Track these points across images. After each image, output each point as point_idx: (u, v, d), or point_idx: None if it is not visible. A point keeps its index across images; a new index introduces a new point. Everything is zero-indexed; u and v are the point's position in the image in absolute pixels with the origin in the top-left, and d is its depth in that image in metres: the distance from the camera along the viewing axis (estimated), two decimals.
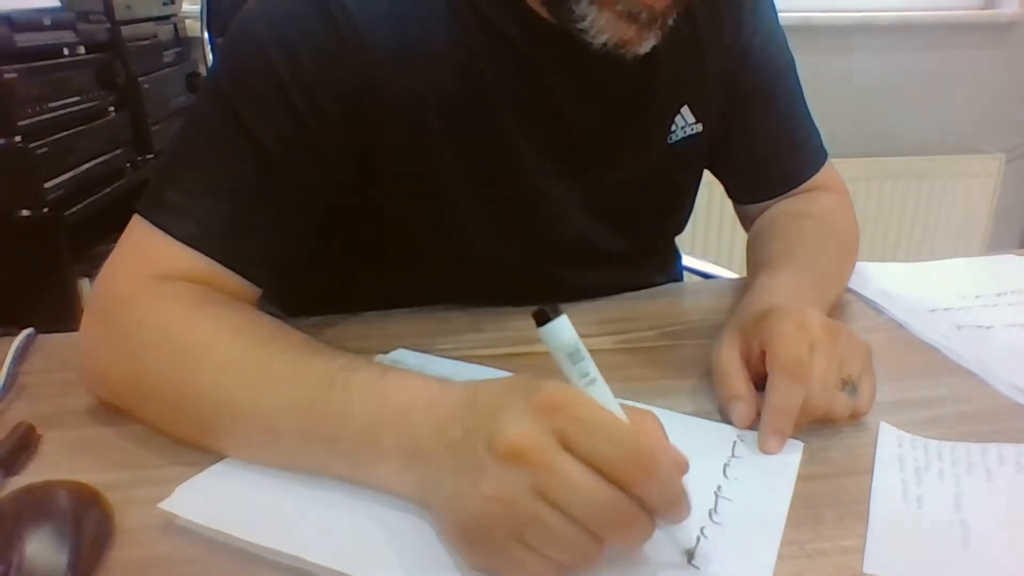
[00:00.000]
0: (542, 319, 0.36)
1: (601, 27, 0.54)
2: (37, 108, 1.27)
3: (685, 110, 0.69)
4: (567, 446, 0.35)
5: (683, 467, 0.38)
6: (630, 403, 0.39)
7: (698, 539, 0.40)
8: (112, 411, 0.53)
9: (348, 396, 0.43)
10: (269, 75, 0.55)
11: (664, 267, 0.86)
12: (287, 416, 0.45)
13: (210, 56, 1.00)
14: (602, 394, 0.37)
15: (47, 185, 1.26)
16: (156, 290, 0.53)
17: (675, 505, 0.37)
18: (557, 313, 0.36)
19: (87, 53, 1.44)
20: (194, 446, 0.48)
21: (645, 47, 0.56)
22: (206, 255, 0.54)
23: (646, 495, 0.35)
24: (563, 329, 0.36)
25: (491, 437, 0.36)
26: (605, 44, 0.55)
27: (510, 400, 0.37)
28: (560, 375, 0.38)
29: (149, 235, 0.54)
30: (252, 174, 0.56)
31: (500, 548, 0.36)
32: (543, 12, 0.59)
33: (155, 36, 1.70)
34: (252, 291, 0.58)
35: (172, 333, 0.50)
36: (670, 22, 0.56)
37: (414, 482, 0.41)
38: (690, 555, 0.39)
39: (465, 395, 0.41)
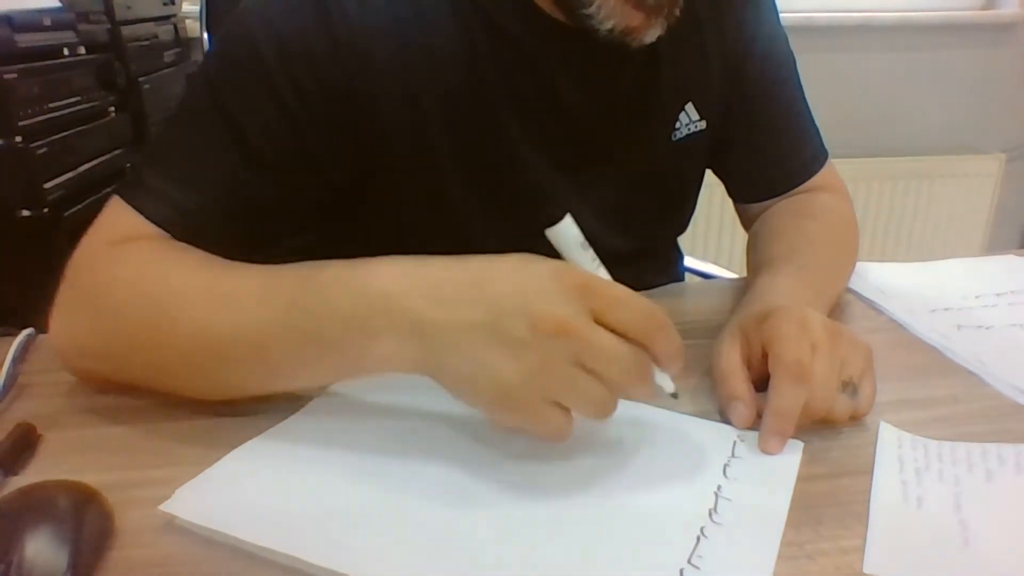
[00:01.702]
0: (551, 221, 0.44)
1: (609, 12, 0.54)
2: (37, 108, 1.27)
3: (689, 107, 0.69)
4: (599, 320, 0.42)
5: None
6: None
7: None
8: (112, 411, 0.53)
9: (324, 292, 0.46)
10: (258, 69, 0.56)
11: (666, 267, 0.86)
12: (270, 328, 0.46)
13: None
14: (606, 274, 0.46)
15: (47, 185, 1.26)
16: (121, 251, 0.54)
17: (679, 354, 0.45)
18: (563, 214, 0.44)
19: (87, 53, 1.44)
20: (190, 394, 0.50)
21: (651, 36, 0.56)
22: (172, 235, 0.55)
23: (661, 349, 0.44)
24: (570, 226, 0.45)
25: (536, 317, 0.41)
26: (612, 31, 0.55)
27: (541, 285, 0.42)
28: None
29: (123, 213, 0.56)
30: (233, 165, 0.57)
31: (530, 408, 0.42)
32: (546, 7, 0.59)
33: (155, 36, 1.70)
34: None
35: (143, 286, 0.51)
36: (676, 12, 0.56)
37: (418, 356, 0.44)
38: (676, 395, 0.48)
39: (469, 276, 0.44)
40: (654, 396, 0.46)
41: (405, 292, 0.44)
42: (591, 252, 0.45)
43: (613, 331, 0.42)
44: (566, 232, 0.44)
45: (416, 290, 0.44)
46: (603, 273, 0.45)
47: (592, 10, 0.54)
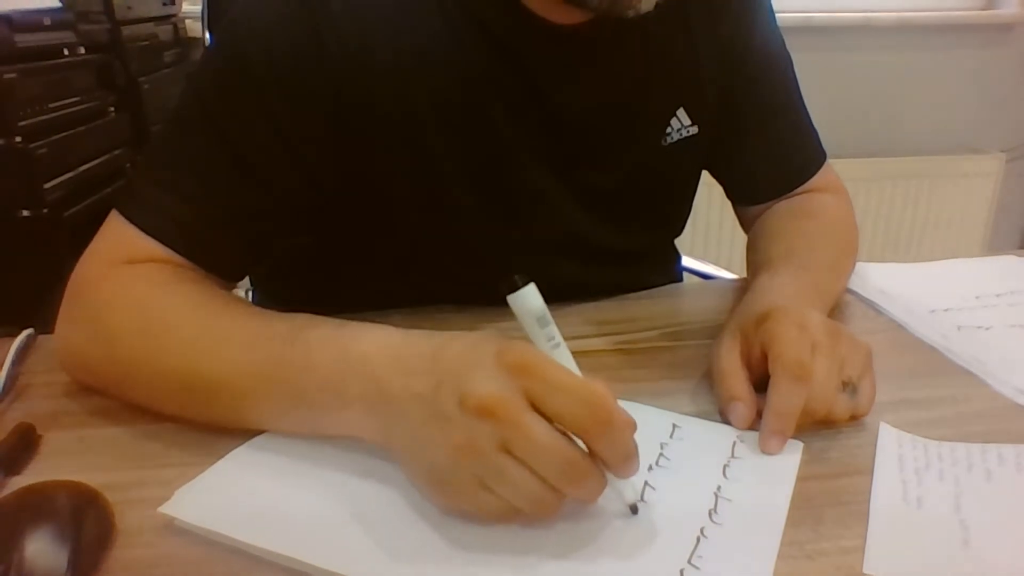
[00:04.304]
0: (511, 287, 0.39)
1: None
2: (37, 108, 1.27)
3: (681, 112, 0.69)
4: (533, 405, 0.38)
5: (633, 426, 0.40)
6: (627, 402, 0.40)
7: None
8: (112, 411, 0.53)
9: (308, 350, 0.46)
10: (250, 85, 0.56)
11: (663, 267, 0.86)
12: (253, 379, 0.47)
13: None
14: (564, 357, 0.40)
15: (47, 185, 1.26)
16: (124, 273, 0.54)
17: (627, 459, 0.40)
18: (525, 281, 0.39)
19: (87, 53, 1.44)
20: (180, 420, 0.50)
21: (646, 4, 0.55)
22: (172, 249, 0.56)
23: (603, 450, 0.39)
24: (532, 296, 0.39)
25: (463, 393, 0.38)
26: (602, 3, 0.54)
27: (480, 359, 0.39)
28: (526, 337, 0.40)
29: (122, 227, 0.56)
30: (224, 175, 0.57)
31: (465, 492, 0.39)
32: (535, 7, 0.59)
33: (155, 36, 1.70)
34: (222, 283, 0.59)
35: (139, 316, 0.52)
36: None
37: (378, 426, 0.43)
38: (634, 509, 0.42)
39: (431, 348, 0.43)
40: (603, 496, 0.41)
41: (378, 359, 0.44)
42: (551, 328, 0.40)
43: (549, 420, 0.38)
44: (523, 304, 0.39)
45: (388, 358, 0.43)
46: (560, 354, 0.40)
47: None
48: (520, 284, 0.39)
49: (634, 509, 0.42)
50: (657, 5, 0.55)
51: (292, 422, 0.47)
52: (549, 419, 0.38)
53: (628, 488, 0.42)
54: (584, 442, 0.38)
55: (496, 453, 0.38)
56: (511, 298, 0.39)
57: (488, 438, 0.38)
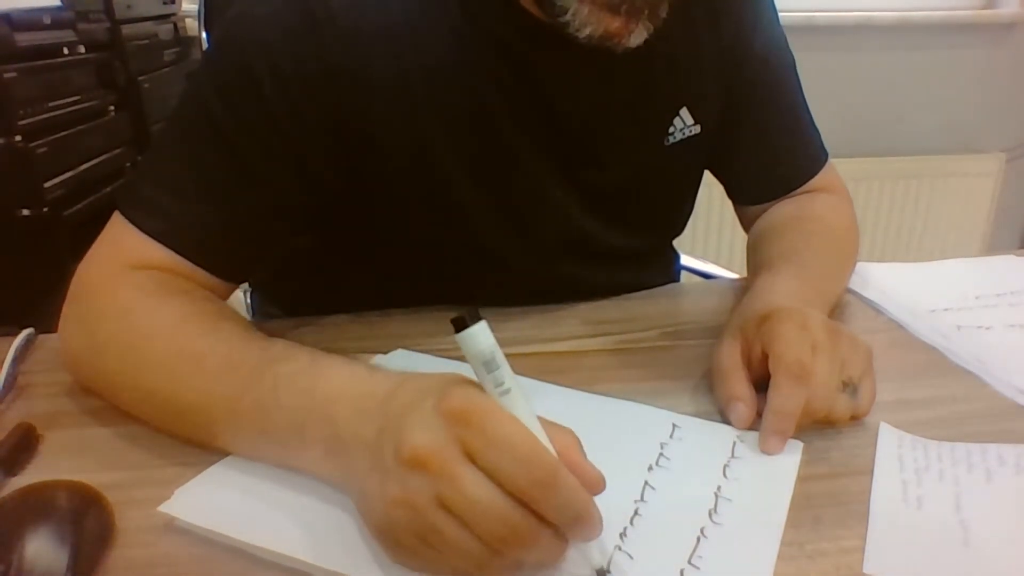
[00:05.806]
0: (460, 325, 0.35)
1: (584, 19, 0.54)
2: (37, 108, 1.27)
3: (684, 112, 0.69)
4: (470, 458, 0.35)
5: (595, 485, 0.37)
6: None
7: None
8: (112, 411, 0.53)
9: (276, 387, 0.45)
10: (252, 92, 0.56)
11: (663, 267, 0.86)
12: (221, 410, 0.47)
13: None
14: (516, 405, 0.36)
15: (47, 185, 1.26)
16: (121, 280, 0.55)
17: (579, 523, 0.36)
18: (475, 319, 0.36)
19: (87, 52, 1.44)
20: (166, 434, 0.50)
21: (635, 39, 0.55)
22: (174, 251, 0.56)
23: (546, 512, 0.35)
24: (480, 336, 0.36)
25: (397, 443, 0.36)
26: (591, 36, 0.54)
27: (420, 404, 0.37)
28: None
29: (124, 229, 0.56)
30: (225, 175, 0.57)
31: (409, 547, 0.37)
32: (535, 11, 0.59)
33: (155, 35, 1.70)
34: (224, 285, 0.59)
35: (127, 330, 0.52)
36: (662, 14, 0.55)
37: (335, 470, 0.43)
38: (600, 573, 0.37)
39: (387, 390, 0.41)
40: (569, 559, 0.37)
41: (340, 400, 0.42)
42: (500, 372, 0.36)
43: (487, 476, 0.35)
44: (470, 345, 0.36)
45: (348, 398, 0.42)
46: (510, 400, 0.36)
47: (568, 17, 0.54)
48: (469, 322, 0.35)
49: (600, 573, 0.37)
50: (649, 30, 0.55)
51: (259, 454, 0.46)
52: (486, 475, 0.35)
53: (594, 550, 0.37)
54: (523, 502, 0.34)
55: (432, 509, 0.35)
56: (458, 338, 0.35)
57: (423, 493, 0.35)
